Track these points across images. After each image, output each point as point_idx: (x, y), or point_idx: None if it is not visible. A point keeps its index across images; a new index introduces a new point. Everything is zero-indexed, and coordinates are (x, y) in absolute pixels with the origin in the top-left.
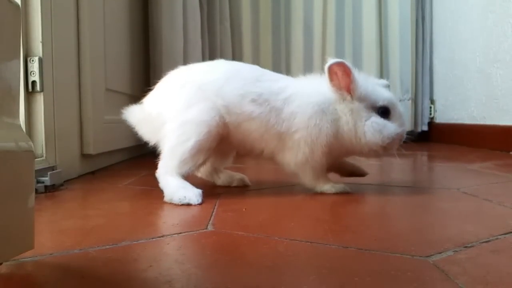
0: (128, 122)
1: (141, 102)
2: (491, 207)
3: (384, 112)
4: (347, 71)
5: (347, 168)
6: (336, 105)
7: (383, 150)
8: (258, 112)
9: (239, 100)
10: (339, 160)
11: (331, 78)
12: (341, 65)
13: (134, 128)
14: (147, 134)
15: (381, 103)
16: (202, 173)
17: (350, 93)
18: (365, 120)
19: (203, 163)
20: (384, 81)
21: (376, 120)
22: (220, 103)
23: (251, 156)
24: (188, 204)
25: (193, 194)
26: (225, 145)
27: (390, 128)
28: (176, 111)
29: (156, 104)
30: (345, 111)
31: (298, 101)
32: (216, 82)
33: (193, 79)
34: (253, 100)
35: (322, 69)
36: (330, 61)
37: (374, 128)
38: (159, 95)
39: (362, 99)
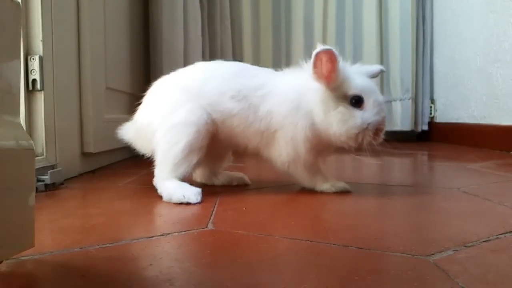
0: (124, 140)
1: (132, 119)
2: (492, 207)
3: (357, 101)
4: (332, 59)
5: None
6: (309, 97)
7: (355, 142)
8: (238, 109)
9: (220, 98)
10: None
11: (315, 65)
12: (328, 52)
13: (131, 144)
14: (143, 146)
15: (351, 91)
16: (200, 177)
17: (329, 81)
18: (333, 110)
19: (198, 163)
20: (376, 67)
21: (342, 109)
22: (204, 102)
23: (239, 152)
24: (188, 203)
25: (191, 193)
26: (218, 146)
27: (356, 117)
28: (163, 116)
29: (145, 115)
30: (317, 102)
31: (274, 99)
32: (196, 83)
33: (175, 84)
34: (233, 97)
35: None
36: (319, 47)
37: (338, 118)
38: (146, 105)
39: (336, 88)
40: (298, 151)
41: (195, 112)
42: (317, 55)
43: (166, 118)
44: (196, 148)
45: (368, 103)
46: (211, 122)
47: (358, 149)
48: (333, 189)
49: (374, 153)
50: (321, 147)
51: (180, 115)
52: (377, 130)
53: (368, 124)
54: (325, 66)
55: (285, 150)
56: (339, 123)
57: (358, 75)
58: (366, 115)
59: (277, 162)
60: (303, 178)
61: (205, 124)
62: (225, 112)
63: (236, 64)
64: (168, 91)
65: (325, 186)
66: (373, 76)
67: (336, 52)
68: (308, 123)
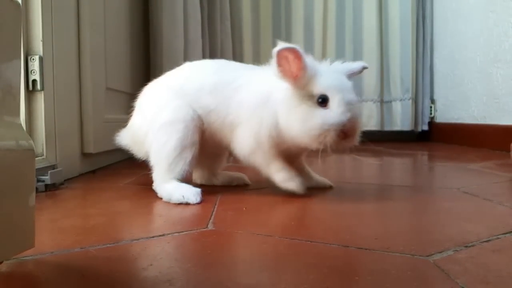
0: (122, 146)
1: (127, 124)
2: (492, 207)
3: (323, 100)
4: (297, 56)
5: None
6: (277, 94)
7: (318, 144)
8: (215, 104)
9: (200, 93)
10: (298, 156)
11: (279, 63)
12: (292, 50)
13: (129, 150)
14: (139, 150)
15: (316, 90)
16: (200, 178)
17: (296, 80)
18: (295, 109)
19: (193, 160)
20: (358, 64)
21: (304, 108)
22: (188, 99)
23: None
24: (187, 204)
25: (191, 193)
26: (209, 145)
27: (317, 118)
28: (151, 117)
29: (137, 119)
30: (282, 101)
31: (245, 91)
32: (180, 81)
33: (161, 84)
34: (210, 92)
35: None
36: (280, 45)
37: (299, 118)
38: (137, 109)
39: (303, 87)
40: (261, 146)
41: (181, 110)
42: (279, 53)
43: (154, 119)
44: (187, 144)
45: (333, 102)
46: (197, 118)
47: (327, 151)
48: (282, 186)
49: (344, 152)
50: (287, 146)
51: (167, 114)
52: (343, 132)
53: (331, 124)
54: (293, 64)
55: (248, 143)
56: (300, 123)
57: (329, 73)
58: (328, 115)
59: (239, 153)
60: (261, 166)
61: (192, 120)
62: (205, 108)
63: (219, 61)
64: (155, 92)
65: (277, 177)
66: (354, 73)
67: (300, 49)
68: (273, 121)
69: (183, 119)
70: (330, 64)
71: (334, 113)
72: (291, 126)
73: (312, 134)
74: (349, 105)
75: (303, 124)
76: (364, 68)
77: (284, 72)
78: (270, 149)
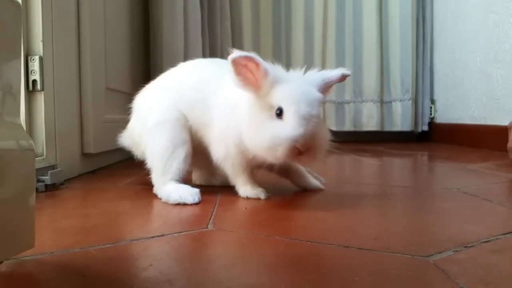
0: (124, 147)
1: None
2: (491, 207)
3: (281, 112)
4: (256, 64)
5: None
6: (242, 101)
7: (271, 157)
8: (196, 100)
9: (182, 88)
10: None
11: (238, 72)
12: (248, 58)
13: (130, 150)
14: (137, 150)
15: (274, 101)
16: (199, 179)
17: (257, 89)
18: (253, 120)
19: (188, 157)
20: (336, 72)
21: (259, 119)
22: (173, 96)
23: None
24: (185, 204)
25: (188, 194)
26: (197, 145)
27: (268, 130)
28: (142, 118)
29: (133, 120)
30: (245, 109)
31: (221, 93)
32: (168, 79)
33: (152, 84)
34: (193, 87)
35: (323, 68)
36: (235, 53)
37: (254, 129)
38: (133, 111)
39: (263, 96)
40: (228, 153)
41: (167, 110)
42: (234, 61)
43: (145, 120)
44: (178, 142)
45: (287, 115)
46: (182, 117)
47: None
48: (245, 195)
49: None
50: (253, 157)
51: (154, 115)
52: (297, 148)
53: (281, 139)
54: (257, 73)
55: (220, 149)
56: (253, 134)
57: (292, 82)
58: (280, 129)
59: (213, 157)
60: (229, 175)
61: (177, 120)
62: (188, 104)
63: (212, 60)
64: (146, 93)
65: (240, 190)
66: (332, 82)
67: (257, 56)
68: (238, 128)
69: (169, 119)
70: (304, 73)
71: (286, 127)
72: (247, 136)
73: (263, 146)
74: (304, 119)
75: (256, 135)
76: (344, 75)
77: (247, 80)
78: (236, 156)
